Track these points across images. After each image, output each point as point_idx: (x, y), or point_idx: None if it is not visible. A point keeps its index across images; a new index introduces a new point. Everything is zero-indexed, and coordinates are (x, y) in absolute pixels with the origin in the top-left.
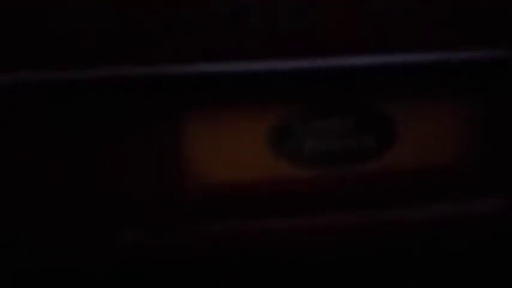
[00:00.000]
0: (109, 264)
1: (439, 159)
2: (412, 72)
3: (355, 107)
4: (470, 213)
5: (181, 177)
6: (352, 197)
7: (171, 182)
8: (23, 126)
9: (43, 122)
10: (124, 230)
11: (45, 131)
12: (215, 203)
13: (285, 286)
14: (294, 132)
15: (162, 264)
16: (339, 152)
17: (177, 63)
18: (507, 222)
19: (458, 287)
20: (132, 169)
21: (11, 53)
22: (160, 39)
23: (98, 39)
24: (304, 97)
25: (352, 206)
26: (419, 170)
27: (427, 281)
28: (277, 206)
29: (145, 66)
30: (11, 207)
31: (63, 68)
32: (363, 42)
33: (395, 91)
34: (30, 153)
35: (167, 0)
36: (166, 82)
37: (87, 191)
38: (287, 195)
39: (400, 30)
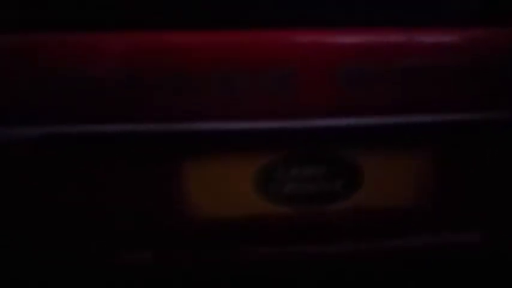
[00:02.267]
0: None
1: (400, 201)
2: (373, 131)
3: (326, 158)
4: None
5: (181, 212)
6: (323, 231)
7: (171, 215)
8: (50, 170)
9: (67, 164)
10: (128, 252)
11: (67, 172)
12: (208, 234)
13: None
14: (276, 177)
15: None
16: (313, 194)
17: (181, 122)
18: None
19: None
20: (140, 203)
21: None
22: (169, 102)
23: (114, 100)
24: (284, 149)
25: (323, 239)
26: (382, 209)
27: None
28: (261, 237)
29: (157, 123)
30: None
31: (85, 122)
32: (335, 105)
33: (361, 145)
34: (53, 189)
35: (171, 72)
36: (171, 137)
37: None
38: (269, 229)
39: (365, 96)
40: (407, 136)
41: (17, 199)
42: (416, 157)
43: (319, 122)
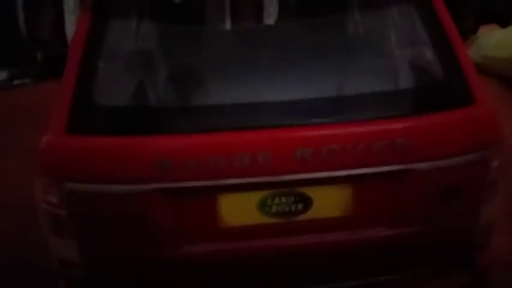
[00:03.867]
0: None
1: (334, 214)
2: (318, 181)
3: (293, 193)
4: None
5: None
6: (293, 231)
7: (215, 224)
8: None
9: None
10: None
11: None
12: (234, 233)
13: None
14: (267, 204)
15: None
16: (287, 212)
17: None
18: None
19: None
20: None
21: None
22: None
23: None
24: (272, 189)
25: (294, 235)
26: (324, 218)
27: None
28: (260, 236)
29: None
30: None
31: None
32: (295, 168)
33: (311, 186)
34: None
35: None
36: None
37: None
38: (264, 231)
39: (312, 163)
40: (337, 179)
41: None
42: (342, 190)
43: (288, 177)
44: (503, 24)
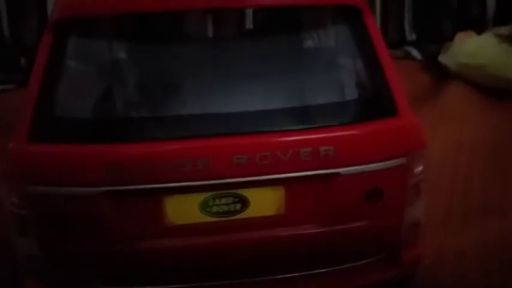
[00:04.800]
0: None
1: (268, 213)
2: (254, 183)
3: (232, 194)
4: None
5: (163, 222)
6: (232, 228)
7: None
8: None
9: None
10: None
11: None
12: (176, 232)
13: None
14: (209, 204)
15: None
16: (226, 211)
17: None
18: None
19: None
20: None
21: None
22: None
23: None
24: (214, 191)
25: (232, 232)
26: (260, 216)
27: None
28: (202, 233)
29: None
30: None
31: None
32: (232, 172)
33: (248, 187)
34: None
35: None
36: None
37: None
38: (206, 230)
39: (247, 167)
40: (270, 182)
41: None
42: (276, 191)
43: (227, 180)
44: (479, 31)
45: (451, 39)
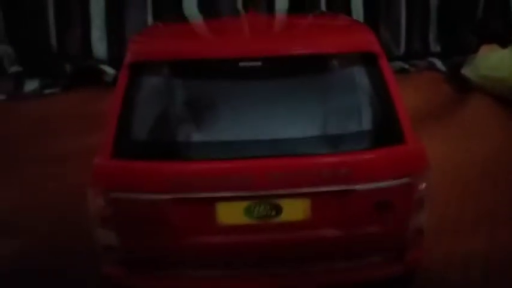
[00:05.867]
0: None
1: (298, 218)
2: (286, 195)
3: (269, 202)
4: None
5: (215, 222)
6: (268, 231)
7: (214, 224)
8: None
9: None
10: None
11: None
12: (228, 231)
13: None
14: (252, 210)
15: None
16: (265, 215)
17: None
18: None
19: None
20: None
21: None
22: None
23: None
24: (254, 200)
25: (270, 232)
26: (292, 221)
27: None
28: (247, 232)
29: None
30: None
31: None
32: (270, 185)
33: (281, 198)
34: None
35: None
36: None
37: None
38: (249, 230)
39: (281, 180)
40: (299, 194)
41: None
42: (304, 202)
43: (266, 192)
44: (504, 45)
45: (475, 51)
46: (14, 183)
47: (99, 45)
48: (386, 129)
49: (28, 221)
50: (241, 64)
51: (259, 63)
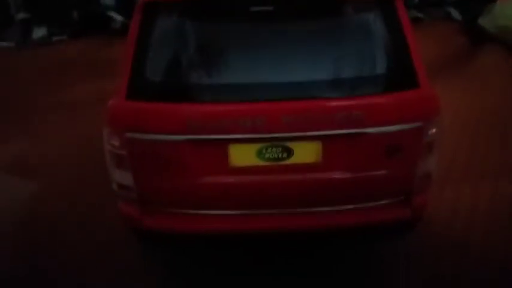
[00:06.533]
0: None
1: (308, 160)
2: (297, 137)
3: (281, 145)
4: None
5: (227, 163)
6: (279, 172)
7: (225, 164)
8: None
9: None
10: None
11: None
12: (239, 171)
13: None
14: (264, 152)
15: None
16: (277, 158)
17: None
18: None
19: None
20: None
21: None
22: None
23: None
24: (267, 142)
25: (281, 173)
26: (302, 163)
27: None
28: (259, 172)
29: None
30: None
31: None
32: (280, 129)
33: (292, 140)
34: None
35: None
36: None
37: None
38: (262, 170)
39: (294, 125)
40: (310, 137)
41: None
42: (314, 145)
43: (277, 135)
44: None
45: (494, 0)
46: (29, 130)
47: None
48: (400, 74)
49: (42, 169)
50: (252, 9)
51: (271, 8)
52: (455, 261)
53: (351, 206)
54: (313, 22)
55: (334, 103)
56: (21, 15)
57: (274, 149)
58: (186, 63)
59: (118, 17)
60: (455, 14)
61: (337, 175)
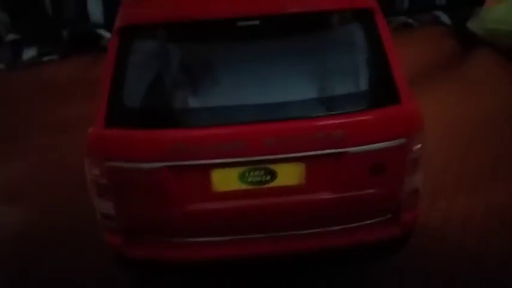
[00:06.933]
0: None
1: (292, 183)
2: (281, 159)
3: (264, 168)
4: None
5: (210, 188)
6: (263, 196)
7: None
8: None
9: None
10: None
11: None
12: (221, 196)
13: None
14: (246, 175)
15: None
16: (260, 181)
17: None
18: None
19: None
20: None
21: None
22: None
23: None
24: (249, 166)
25: (264, 197)
26: (286, 185)
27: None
28: (240, 197)
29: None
30: None
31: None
32: (264, 150)
33: (276, 163)
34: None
35: None
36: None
37: None
38: (243, 194)
39: (275, 146)
40: (293, 159)
41: None
42: (298, 166)
43: (259, 158)
44: None
45: (481, 4)
46: (16, 153)
47: (95, 9)
48: (381, 90)
49: (30, 193)
50: (239, 24)
51: (256, 22)
52: (448, 274)
53: (337, 227)
54: (293, 39)
55: (314, 123)
56: (11, 36)
57: (257, 172)
58: (164, 89)
59: (107, 35)
60: (445, 18)
61: (322, 196)
